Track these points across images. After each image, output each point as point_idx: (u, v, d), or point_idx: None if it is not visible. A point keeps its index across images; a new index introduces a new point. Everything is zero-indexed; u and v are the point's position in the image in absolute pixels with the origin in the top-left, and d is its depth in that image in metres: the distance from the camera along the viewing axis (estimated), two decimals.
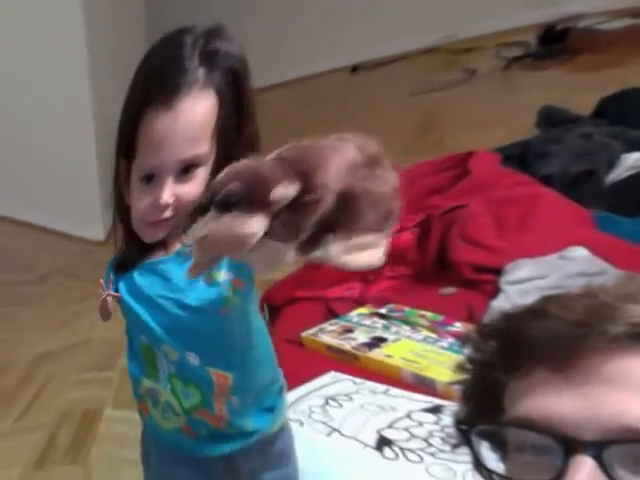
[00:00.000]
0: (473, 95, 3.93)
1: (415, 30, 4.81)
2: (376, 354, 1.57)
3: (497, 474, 0.64)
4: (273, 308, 1.87)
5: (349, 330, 1.67)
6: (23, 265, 3.16)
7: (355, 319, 1.74)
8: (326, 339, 1.61)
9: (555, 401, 0.61)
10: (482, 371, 0.69)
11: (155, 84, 0.98)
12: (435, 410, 1.41)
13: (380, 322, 1.73)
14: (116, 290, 1.04)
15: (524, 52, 4.20)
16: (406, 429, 1.35)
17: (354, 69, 4.96)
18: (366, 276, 2.02)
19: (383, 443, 1.30)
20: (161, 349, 1.00)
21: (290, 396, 1.37)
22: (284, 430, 1.08)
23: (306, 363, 1.53)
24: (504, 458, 0.65)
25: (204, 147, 0.98)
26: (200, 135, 0.98)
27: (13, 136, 3.34)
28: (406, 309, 1.81)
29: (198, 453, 1.05)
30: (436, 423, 1.38)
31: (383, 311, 1.80)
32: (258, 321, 1.07)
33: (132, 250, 1.06)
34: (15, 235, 3.44)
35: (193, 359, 1.00)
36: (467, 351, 0.71)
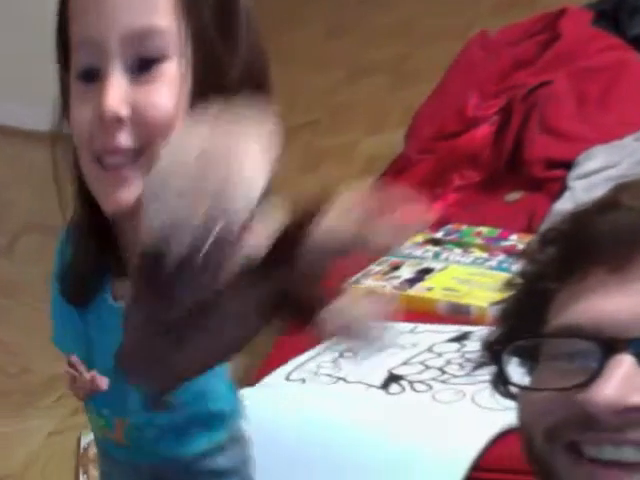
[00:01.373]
0: None
1: None
2: (416, 290, 1.76)
3: (518, 386, 0.65)
4: None
5: (396, 267, 1.84)
6: None
7: (406, 251, 1.92)
8: (368, 284, 1.78)
9: (605, 303, 0.60)
10: (531, 283, 0.67)
11: None
12: (461, 338, 1.53)
13: (432, 250, 1.91)
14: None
15: None
16: (422, 362, 1.46)
17: None
18: (434, 191, 2.14)
19: (391, 380, 1.42)
20: None
21: (300, 358, 1.50)
22: (212, 456, 0.99)
23: None
24: (531, 371, 0.67)
25: (165, 19, 0.74)
26: None
27: None
28: (464, 228, 1.96)
29: (118, 457, 1.02)
30: (458, 351, 1.49)
31: (439, 235, 1.94)
32: None
33: (86, 246, 0.80)
34: None
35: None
36: (520, 264, 0.70)
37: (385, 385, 1.43)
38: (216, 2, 0.77)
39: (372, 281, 1.80)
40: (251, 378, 1.45)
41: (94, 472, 1.52)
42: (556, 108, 2.34)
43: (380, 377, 1.44)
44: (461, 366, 1.46)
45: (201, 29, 0.75)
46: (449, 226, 2.00)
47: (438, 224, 2.02)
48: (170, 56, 0.74)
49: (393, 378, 1.44)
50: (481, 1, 3.57)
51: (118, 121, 0.72)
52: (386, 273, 1.83)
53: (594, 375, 0.57)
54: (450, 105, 2.51)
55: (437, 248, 1.91)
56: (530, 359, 0.66)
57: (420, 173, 2.26)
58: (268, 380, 1.46)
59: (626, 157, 2.11)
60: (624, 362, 0.57)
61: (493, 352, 0.67)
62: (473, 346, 1.44)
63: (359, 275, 1.83)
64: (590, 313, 0.60)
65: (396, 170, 2.33)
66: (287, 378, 1.48)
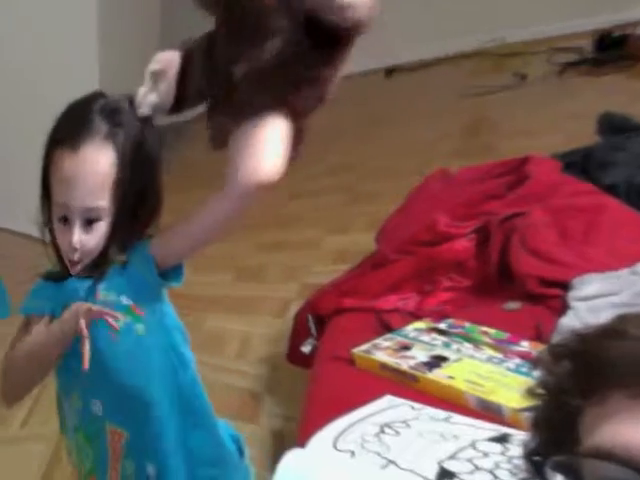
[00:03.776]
0: (525, 100, 3.73)
1: (456, 32, 4.55)
2: (437, 375, 1.39)
3: None
4: (320, 318, 1.69)
5: (406, 347, 1.48)
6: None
7: (412, 334, 1.56)
8: (381, 357, 1.43)
9: (635, 430, 0.57)
10: (555, 396, 0.65)
11: (63, 130, 1.14)
12: (502, 439, 1.26)
13: (440, 339, 1.55)
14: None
15: (579, 58, 3.96)
16: (470, 460, 1.20)
17: (389, 72, 4.71)
18: (422, 287, 1.83)
19: (445, 476, 1.15)
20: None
21: (341, 423, 1.23)
22: None
23: (358, 384, 1.36)
24: None
25: (104, 201, 1.13)
26: (100, 187, 1.12)
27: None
28: (467, 325, 1.63)
29: None
30: (503, 454, 1.22)
31: (442, 326, 1.61)
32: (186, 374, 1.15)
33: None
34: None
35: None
36: (538, 374, 0.66)
37: None
38: (138, 190, 1.15)
39: (384, 355, 1.43)
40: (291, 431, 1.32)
41: None
42: (538, 235, 2.09)
43: (432, 469, 1.13)
44: (511, 473, 1.15)
45: (123, 202, 1.14)
46: (450, 320, 1.65)
47: (437, 316, 1.69)
48: (103, 218, 1.15)
49: (446, 474, 1.12)
50: (436, 146, 3.43)
51: (75, 249, 1.16)
52: (397, 350, 1.46)
53: None
54: (417, 222, 2.26)
55: (445, 338, 1.54)
56: (574, 478, 0.61)
57: (401, 269, 1.93)
58: (315, 443, 1.18)
59: (625, 287, 1.87)
60: None
61: (534, 463, 0.65)
62: (516, 451, 1.20)
63: (368, 346, 1.47)
64: (620, 440, 0.58)
65: (373, 264, 2.00)
66: (334, 446, 1.16)
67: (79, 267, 1.18)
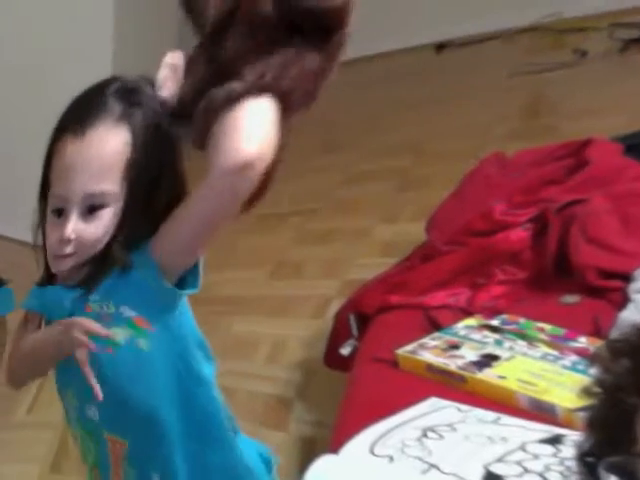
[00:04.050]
0: (586, 78, 3.59)
1: (511, 6, 4.38)
2: (487, 375, 1.35)
3: None
4: (363, 317, 1.63)
5: (455, 346, 1.44)
6: None
7: (462, 332, 1.51)
8: (427, 357, 1.38)
9: None
10: (611, 394, 0.63)
11: (70, 115, 1.05)
12: (554, 441, 1.22)
13: (492, 336, 1.50)
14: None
15: None
16: (518, 463, 1.16)
17: (439, 48, 4.56)
18: (474, 280, 1.76)
19: (491, 479, 1.11)
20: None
21: (379, 427, 1.19)
22: None
23: (400, 387, 1.32)
24: None
25: (112, 185, 1.03)
26: (108, 169, 1.02)
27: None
28: (521, 321, 1.57)
29: None
30: (554, 455, 1.19)
31: (495, 323, 1.55)
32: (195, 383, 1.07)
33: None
34: None
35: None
36: (595, 372, 0.65)
37: None
38: (154, 174, 1.04)
39: (431, 355, 1.38)
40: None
41: None
42: (599, 223, 2.01)
43: (477, 473, 1.08)
44: (563, 475, 1.12)
45: (137, 186, 1.04)
46: (504, 316, 1.59)
47: (490, 312, 1.63)
48: (109, 204, 1.04)
49: (492, 477, 1.08)
50: (492, 127, 3.34)
51: (68, 241, 1.04)
52: (445, 349, 1.41)
53: None
54: (471, 209, 2.19)
55: (497, 335, 1.50)
56: (630, 479, 0.61)
57: (452, 262, 1.87)
58: (350, 449, 1.13)
59: None
60: None
61: (587, 464, 0.64)
62: (569, 452, 1.15)
63: (414, 345, 1.42)
64: None
65: (423, 256, 1.94)
66: (371, 451, 1.11)
67: (70, 262, 1.04)
